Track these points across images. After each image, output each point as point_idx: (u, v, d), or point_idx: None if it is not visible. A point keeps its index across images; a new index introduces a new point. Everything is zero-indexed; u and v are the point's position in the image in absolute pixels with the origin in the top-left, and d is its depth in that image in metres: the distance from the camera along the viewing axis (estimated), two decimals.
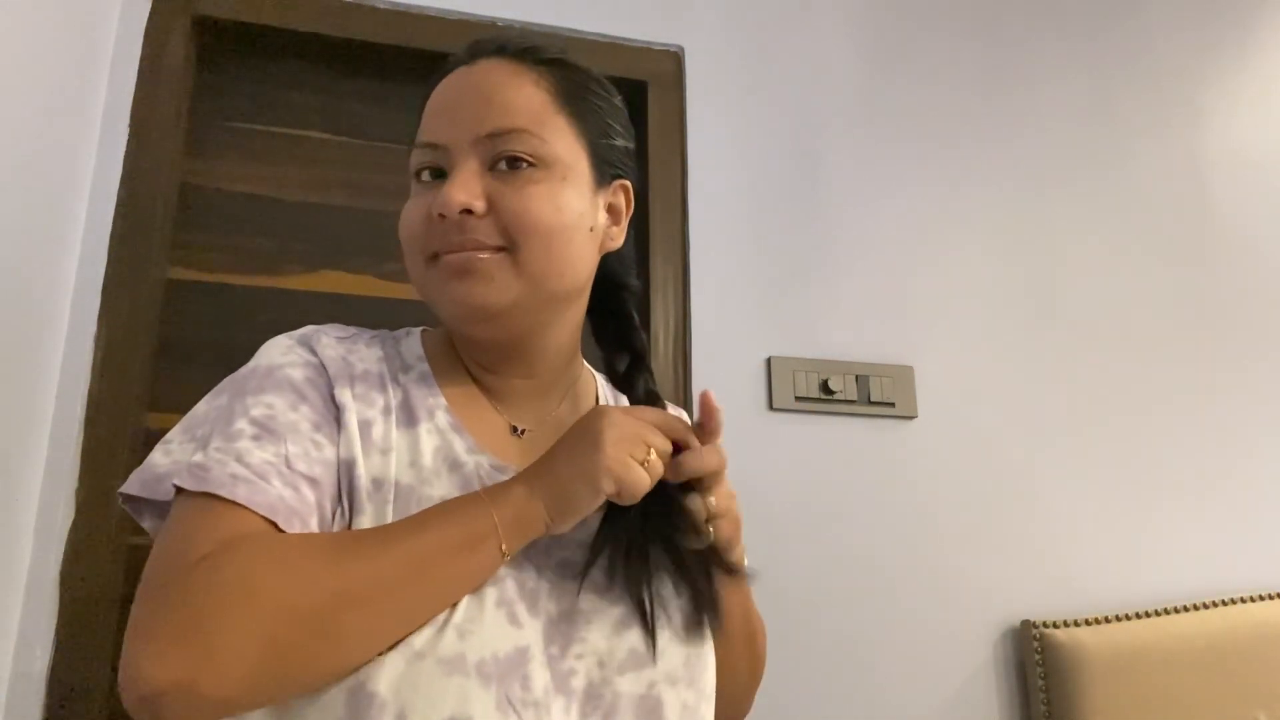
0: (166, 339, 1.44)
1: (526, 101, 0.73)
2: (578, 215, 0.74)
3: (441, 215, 0.70)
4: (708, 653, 0.73)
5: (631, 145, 0.82)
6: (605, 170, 0.78)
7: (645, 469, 0.67)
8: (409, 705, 0.59)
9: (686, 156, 1.67)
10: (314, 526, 0.63)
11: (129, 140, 1.43)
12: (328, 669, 0.58)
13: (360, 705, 0.59)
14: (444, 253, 0.71)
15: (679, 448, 0.71)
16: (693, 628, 0.72)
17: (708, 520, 0.71)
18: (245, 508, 0.60)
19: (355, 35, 1.57)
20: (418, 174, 0.75)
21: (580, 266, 0.76)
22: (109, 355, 1.35)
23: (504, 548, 0.64)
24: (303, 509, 0.63)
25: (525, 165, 0.72)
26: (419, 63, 1.60)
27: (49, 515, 1.27)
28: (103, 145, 1.42)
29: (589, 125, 0.77)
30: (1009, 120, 1.87)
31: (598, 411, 0.70)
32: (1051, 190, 1.85)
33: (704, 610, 0.71)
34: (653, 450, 0.68)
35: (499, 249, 0.71)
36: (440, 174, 0.74)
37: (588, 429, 0.68)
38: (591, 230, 0.76)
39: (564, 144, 0.74)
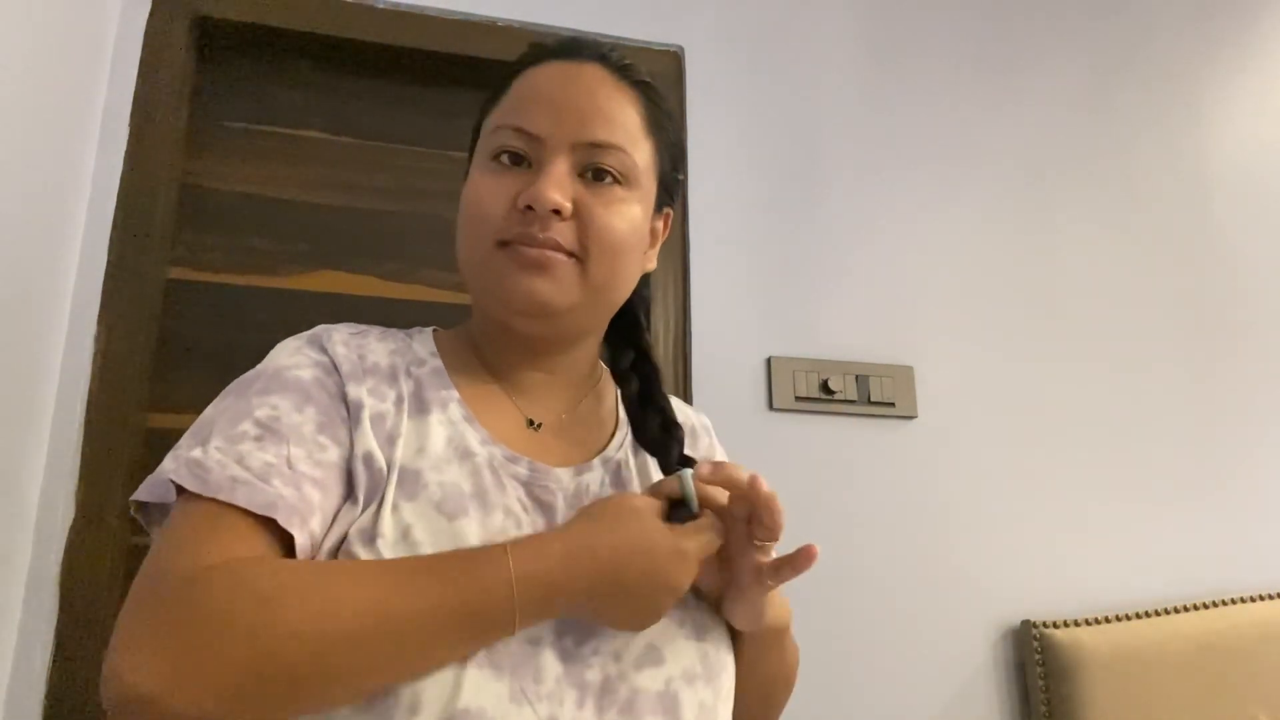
0: (166, 339, 1.44)
1: (627, 120, 0.76)
2: (641, 237, 0.78)
3: (529, 207, 0.71)
4: (725, 653, 0.73)
5: (683, 178, 0.86)
6: (663, 198, 0.82)
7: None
8: (423, 696, 0.59)
9: (686, 157, 1.67)
10: (315, 527, 0.63)
11: (129, 140, 1.43)
12: (301, 710, 0.58)
13: (375, 697, 0.59)
14: (519, 243, 0.72)
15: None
16: (709, 628, 0.71)
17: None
18: (245, 512, 0.60)
19: (355, 35, 1.57)
20: (497, 155, 0.75)
21: (631, 284, 0.79)
22: (109, 355, 1.35)
23: (515, 630, 0.62)
24: (303, 508, 0.62)
25: (611, 180, 0.74)
26: (418, 62, 1.61)
27: (49, 515, 1.27)
28: (103, 145, 1.42)
29: (663, 155, 0.80)
30: (1010, 120, 1.87)
31: (642, 539, 0.65)
32: (1053, 191, 1.85)
33: None
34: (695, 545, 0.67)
35: (570, 254, 0.72)
36: (519, 161, 0.74)
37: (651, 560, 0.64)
38: (645, 253, 0.80)
39: (645, 167, 0.77)
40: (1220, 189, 1.96)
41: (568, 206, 0.71)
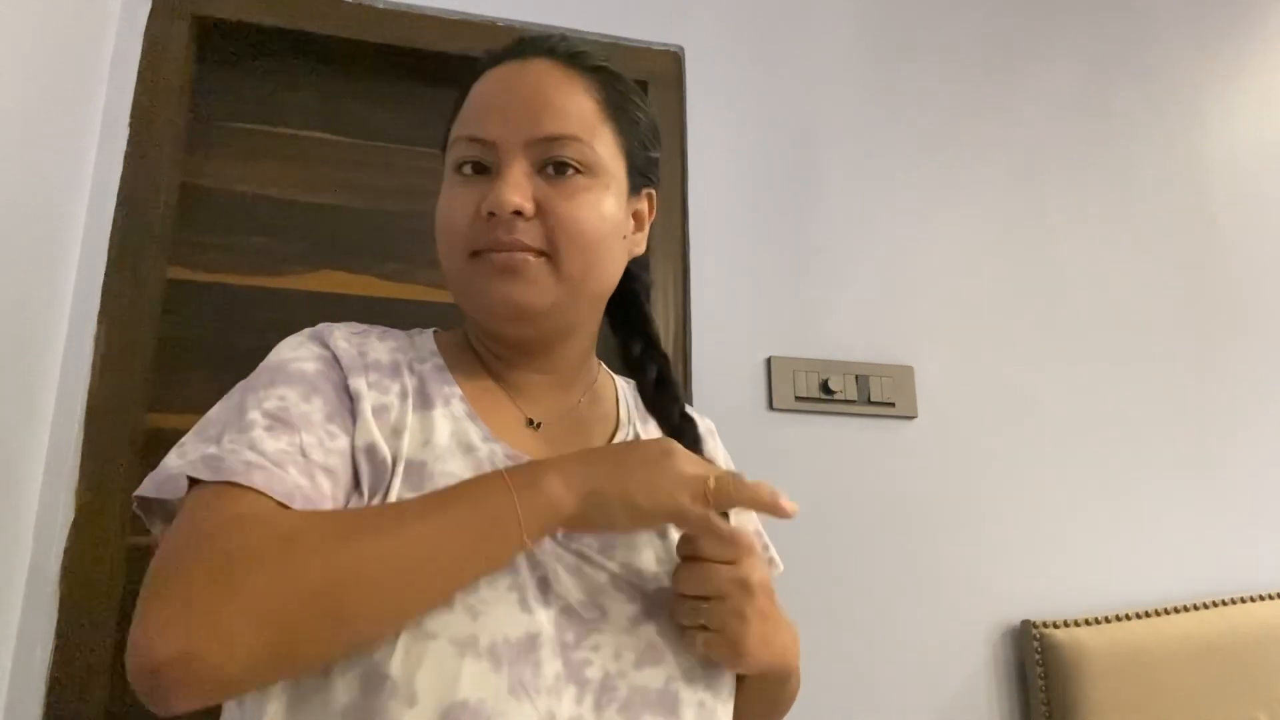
0: (166, 339, 1.43)
1: (579, 108, 0.75)
2: (616, 224, 0.76)
3: (491, 213, 0.71)
4: None
5: (659, 155, 0.84)
6: (638, 180, 0.80)
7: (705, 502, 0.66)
8: (421, 687, 0.59)
9: (686, 156, 1.67)
10: None
11: (129, 140, 1.43)
12: (332, 648, 0.57)
13: (373, 688, 0.59)
14: (488, 250, 0.72)
15: None
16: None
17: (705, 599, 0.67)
18: (260, 494, 0.60)
19: (355, 35, 1.57)
20: (459, 167, 0.75)
21: (613, 272, 0.78)
22: (109, 355, 1.35)
23: (526, 538, 0.62)
24: (318, 498, 0.63)
25: (572, 172, 0.73)
26: (418, 63, 1.60)
27: (49, 515, 1.27)
28: (103, 145, 1.42)
29: (629, 136, 0.79)
30: (1009, 120, 1.87)
31: (668, 443, 0.69)
32: (1052, 191, 1.85)
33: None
34: (712, 479, 0.67)
35: (540, 253, 0.72)
36: (482, 169, 0.74)
37: (662, 454, 0.67)
38: (624, 238, 0.79)
39: (608, 153, 0.76)
40: (1219, 189, 1.96)
41: (528, 206, 0.71)
